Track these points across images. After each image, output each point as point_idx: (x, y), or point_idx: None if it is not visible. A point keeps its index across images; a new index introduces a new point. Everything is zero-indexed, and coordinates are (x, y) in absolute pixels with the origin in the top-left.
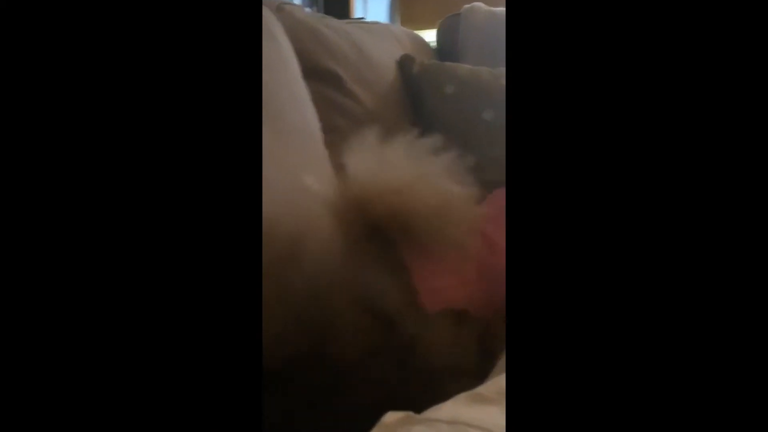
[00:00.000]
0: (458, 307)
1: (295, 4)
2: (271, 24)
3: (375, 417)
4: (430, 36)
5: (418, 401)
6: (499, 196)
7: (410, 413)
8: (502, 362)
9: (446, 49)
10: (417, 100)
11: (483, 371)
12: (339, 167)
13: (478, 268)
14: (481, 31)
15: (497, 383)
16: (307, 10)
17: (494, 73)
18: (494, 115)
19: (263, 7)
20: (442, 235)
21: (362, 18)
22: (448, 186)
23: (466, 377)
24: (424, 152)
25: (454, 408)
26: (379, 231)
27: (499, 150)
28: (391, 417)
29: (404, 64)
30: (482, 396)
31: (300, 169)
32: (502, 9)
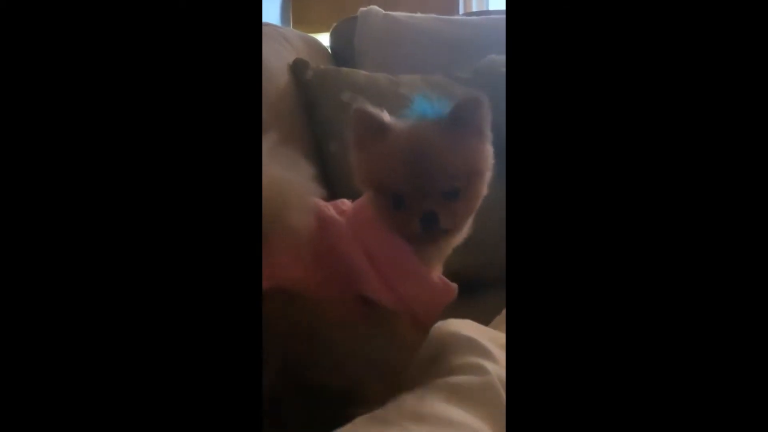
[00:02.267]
0: (289, 286)
1: None
2: None
3: None
4: (324, 39)
5: None
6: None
7: None
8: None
9: (342, 54)
10: (311, 107)
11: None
12: None
13: (314, 251)
14: (379, 35)
15: (399, 404)
16: None
17: (393, 80)
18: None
19: None
20: (277, 217)
21: None
22: (289, 179)
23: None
24: (285, 158)
25: (354, 431)
26: None
27: None
28: None
29: (297, 68)
30: (382, 419)
31: None
32: (400, 13)
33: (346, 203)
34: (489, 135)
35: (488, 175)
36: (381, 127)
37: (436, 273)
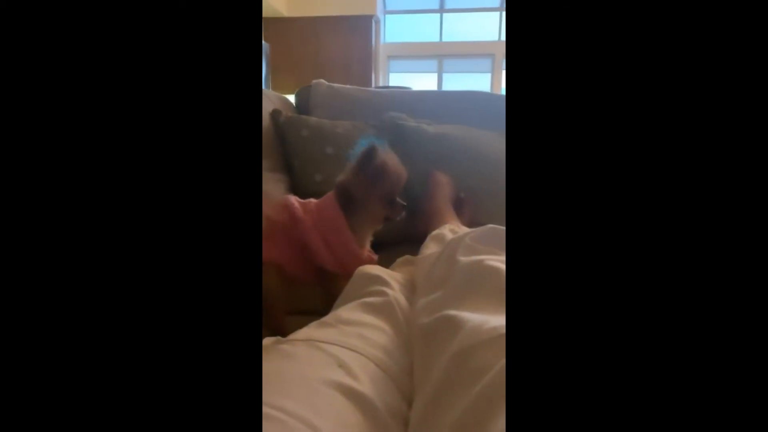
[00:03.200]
0: (274, 261)
1: None
2: None
3: None
4: (291, 98)
5: None
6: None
7: (279, 337)
8: (340, 299)
9: (302, 107)
10: (283, 139)
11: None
12: None
13: (288, 239)
14: (324, 96)
15: (336, 314)
16: None
17: (333, 124)
18: (333, 150)
19: None
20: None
21: None
22: (270, 189)
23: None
24: (268, 176)
25: (307, 332)
26: None
27: (338, 172)
28: (266, 341)
29: (274, 115)
30: (325, 323)
31: None
32: (337, 84)
33: (312, 202)
34: None
35: None
36: (383, 160)
37: (367, 248)
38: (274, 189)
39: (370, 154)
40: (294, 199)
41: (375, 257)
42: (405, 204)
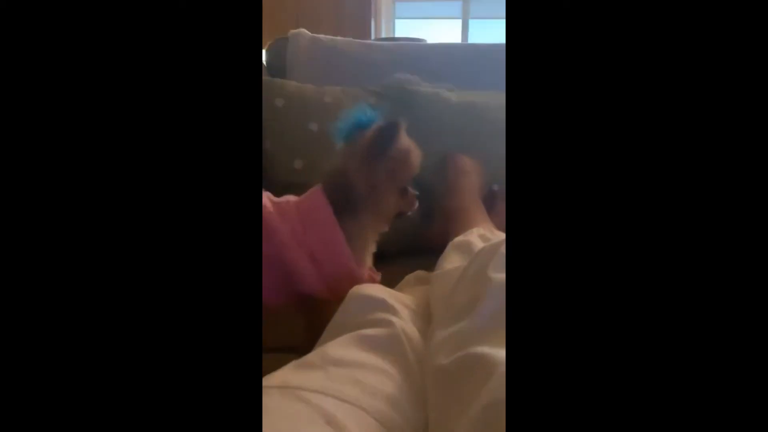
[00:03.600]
0: None
1: None
2: None
3: None
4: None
5: None
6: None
7: None
8: (327, 330)
9: (275, 68)
10: None
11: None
12: None
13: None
14: (306, 53)
15: (322, 351)
16: None
17: (318, 90)
18: (318, 127)
19: None
20: None
21: None
22: None
23: None
24: None
25: (284, 375)
26: None
27: (325, 157)
28: None
29: None
30: (308, 363)
31: None
32: (324, 36)
33: (290, 200)
34: None
35: None
36: (390, 140)
37: (369, 263)
38: None
39: (390, 133)
40: (266, 198)
41: (378, 277)
42: (417, 194)
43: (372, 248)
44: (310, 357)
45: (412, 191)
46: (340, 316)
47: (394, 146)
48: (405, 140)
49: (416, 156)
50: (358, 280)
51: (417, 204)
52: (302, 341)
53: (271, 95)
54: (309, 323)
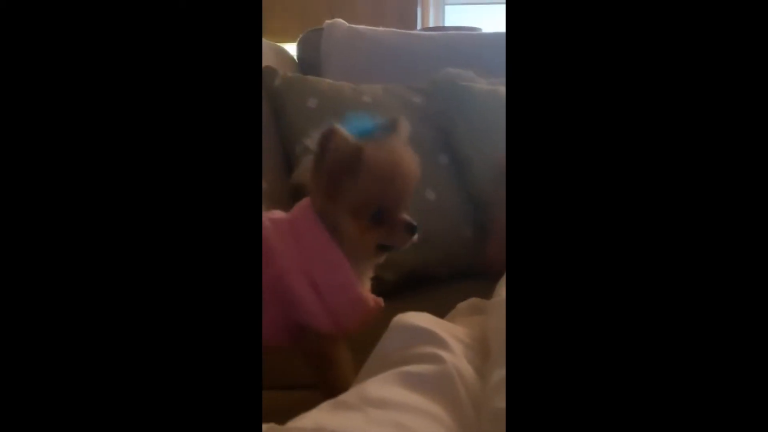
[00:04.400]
0: None
1: None
2: None
3: None
4: (291, 49)
5: None
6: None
7: (273, 424)
8: (367, 366)
9: (308, 63)
10: (279, 113)
11: None
12: None
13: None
14: (343, 46)
15: (360, 390)
16: None
17: (356, 89)
18: None
19: None
20: None
21: None
22: None
23: None
24: None
25: (317, 417)
26: None
27: None
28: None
29: (266, 76)
30: (345, 403)
31: None
32: (363, 27)
33: (281, 217)
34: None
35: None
36: (356, 150)
37: (367, 290)
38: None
39: (326, 138)
40: (266, 218)
41: (381, 304)
42: (414, 225)
43: (367, 273)
44: (347, 396)
45: (405, 218)
46: (382, 349)
47: (338, 154)
48: (352, 147)
49: (384, 167)
50: (364, 308)
51: (414, 238)
52: (310, 377)
53: (302, 95)
54: (311, 362)
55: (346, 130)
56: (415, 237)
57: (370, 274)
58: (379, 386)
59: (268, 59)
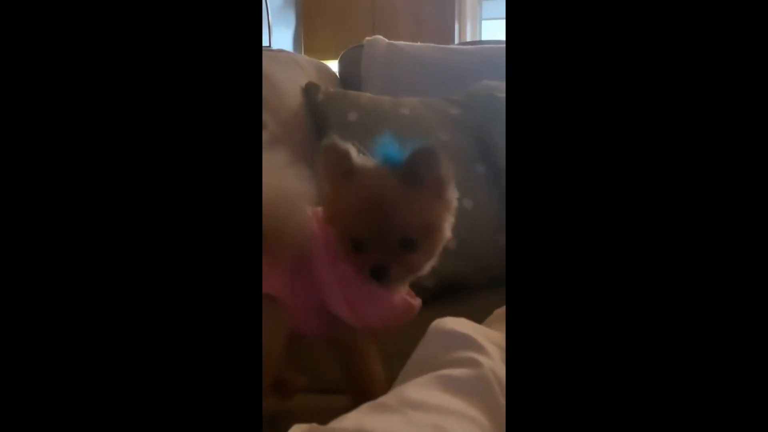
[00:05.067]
0: (272, 294)
1: None
2: None
3: None
4: (332, 65)
5: None
6: None
7: (314, 425)
8: (406, 369)
9: (349, 78)
10: (321, 125)
11: None
12: None
13: (294, 262)
14: (382, 62)
15: (399, 393)
16: None
17: (395, 102)
18: None
19: None
20: (277, 229)
21: (267, 46)
22: (287, 185)
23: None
24: (292, 173)
25: (357, 419)
26: None
27: None
28: (297, 429)
29: (309, 91)
30: (384, 405)
31: None
32: (402, 42)
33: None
34: (447, 183)
35: (447, 225)
36: (348, 168)
37: (400, 293)
38: (297, 199)
39: (323, 152)
40: (312, 210)
41: (414, 306)
42: (381, 271)
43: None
44: (387, 398)
45: (376, 259)
46: (420, 353)
47: (333, 178)
48: (363, 183)
49: (380, 210)
50: (385, 305)
51: (376, 281)
52: (340, 381)
53: (343, 108)
54: (342, 358)
55: (376, 150)
56: (393, 281)
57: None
58: (418, 389)
59: (310, 75)
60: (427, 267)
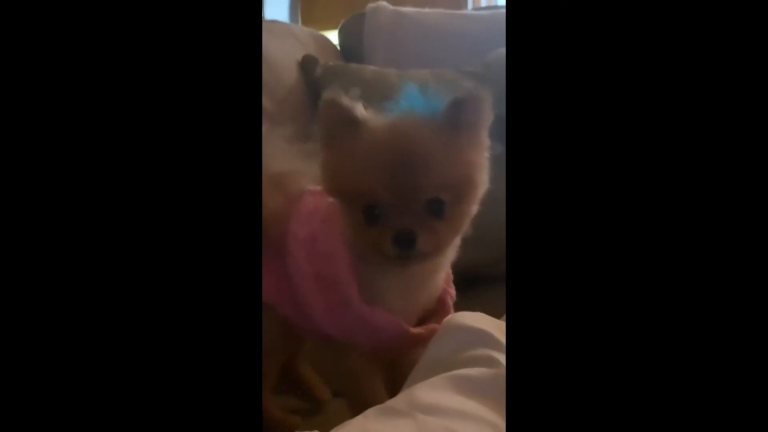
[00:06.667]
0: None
1: None
2: None
3: None
4: (332, 36)
5: None
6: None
7: None
8: (417, 369)
9: (350, 51)
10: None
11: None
12: None
13: (287, 267)
14: (387, 31)
15: (410, 395)
16: None
17: (402, 75)
18: None
19: None
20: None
21: None
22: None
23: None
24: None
25: (363, 424)
26: None
27: None
28: None
29: (306, 65)
30: (393, 409)
31: None
32: (409, 9)
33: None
34: (487, 141)
35: (481, 189)
36: (353, 122)
37: (397, 306)
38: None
39: (322, 109)
40: (310, 198)
41: (399, 326)
42: (408, 238)
43: (415, 279)
44: (396, 401)
45: (401, 224)
46: (433, 352)
47: (339, 136)
48: (380, 133)
49: (410, 162)
50: (367, 320)
51: (401, 251)
52: (339, 383)
53: (345, 84)
54: (340, 371)
55: (400, 102)
56: (418, 255)
57: (402, 284)
58: (429, 391)
59: (308, 48)
60: (454, 247)
